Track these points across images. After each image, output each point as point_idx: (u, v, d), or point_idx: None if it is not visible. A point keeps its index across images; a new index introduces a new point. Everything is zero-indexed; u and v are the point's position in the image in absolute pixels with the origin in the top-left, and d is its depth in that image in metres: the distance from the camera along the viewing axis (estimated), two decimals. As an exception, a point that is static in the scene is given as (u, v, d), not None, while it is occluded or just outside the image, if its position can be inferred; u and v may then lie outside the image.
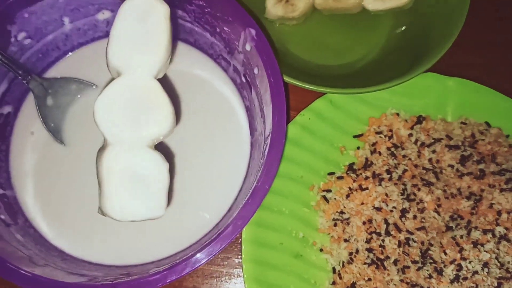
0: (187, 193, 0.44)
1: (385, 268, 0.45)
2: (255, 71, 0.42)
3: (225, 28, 0.44)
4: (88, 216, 0.42)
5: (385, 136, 0.49)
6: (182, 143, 0.45)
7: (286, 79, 0.45)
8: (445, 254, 0.45)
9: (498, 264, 0.45)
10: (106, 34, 0.48)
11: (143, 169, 0.31)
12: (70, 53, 0.47)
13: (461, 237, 0.45)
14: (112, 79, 0.33)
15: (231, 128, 0.47)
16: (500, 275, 0.44)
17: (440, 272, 0.45)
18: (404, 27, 0.53)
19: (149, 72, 0.32)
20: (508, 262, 0.45)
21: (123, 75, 0.32)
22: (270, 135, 0.38)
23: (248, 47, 0.42)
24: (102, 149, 0.32)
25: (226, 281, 0.47)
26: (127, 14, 0.32)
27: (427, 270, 0.45)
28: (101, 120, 0.31)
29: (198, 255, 0.35)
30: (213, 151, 0.46)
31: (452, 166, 0.48)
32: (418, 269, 0.45)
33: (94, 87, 0.46)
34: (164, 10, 0.33)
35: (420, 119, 0.50)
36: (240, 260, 0.47)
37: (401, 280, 0.45)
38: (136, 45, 0.32)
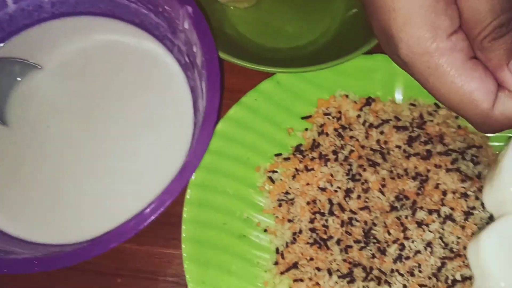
0: (126, 170, 0.44)
1: (328, 248, 0.45)
2: (194, 49, 0.43)
3: (166, 7, 0.44)
4: (23, 193, 0.42)
5: (333, 117, 0.49)
6: (126, 122, 0.46)
7: (233, 60, 0.46)
8: (389, 234, 0.45)
9: (442, 244, 0.44)
10: (52, 16, 0.48)
11: None
12: (15, 35, 0.47)
13: (406, 217, 0.44)
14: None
15: (176, 108, 0.47)
16: (444, 255, 0.44)
17: (383, 251, 0.44)
18: (355, 10, 0.53)
19: None
20: (452, 242, 0.44)
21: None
22: (203, 113, 0.39)
23: (186, 25, 0.42)
24: None
25: (168, 262, 0.47)
26: None
27: (370, 250, 0.45)
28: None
29: (122, 229, 0.35)
30: (157, 130, 0.46)
31: (399, 147, 0.48)
32: (361, 248, 0.45)
33: (39, 67, 0.47)
34: None
35: (369, 101, 0.50)
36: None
37: (344, 260, 0.45)
38: None
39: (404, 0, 0.30)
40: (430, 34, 0.30)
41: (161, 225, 0.48)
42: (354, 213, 0.46)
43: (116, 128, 0.45)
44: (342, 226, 0.45)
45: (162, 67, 0.47)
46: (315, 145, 0.49)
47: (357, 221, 0.45)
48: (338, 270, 0.45)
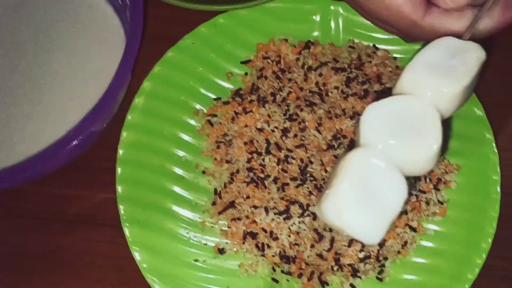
0: (55, 94, 0.44)
1: (265, 187, 0.45)
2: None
3: None
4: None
5: (272, 61, 0.49)
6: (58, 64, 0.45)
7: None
8: (326, 171, 0.45)
9: (378, 180, 0.44)
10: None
11: (379, 188, 0.29)
12: None
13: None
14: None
15: (110, 50, 0.47)
16: (379, 190, 0.44)
17: (319, 189, 0.44)
18: None
19: (436, 101, 0.31)
20: (388, 178, 0.44)
21: (408, 95, 0.32)
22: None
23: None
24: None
25: (107, 206, 0.47)
26: (440, 46, 0.33)
27: (307, 188, 0.45)
28: (369, 123, 0.30)
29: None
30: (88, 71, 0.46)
31: (337, 88, 0.48)
32: (298, 186, 0.45)
33: None
34: (481, 56, 0.33)
35: (308, 44, 0.50)
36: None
37: (281, 198, 0.45)
38: (437, 73, 0.31)
39: None
40: None
41: (99, 170, 0.47)
42: (290, 151, 0.46)
43: (47, 68, 0.45)
44: (278, 164, 0.45)
45: (96, 11, 0.47)
46: (254, 89, 0.49)
47: (293, 158, 0.45)
48: (274, 208, 0.45)
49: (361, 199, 0.30)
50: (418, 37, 0.37)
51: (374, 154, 0.30)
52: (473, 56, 0.32)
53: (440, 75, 0.31)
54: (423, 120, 0.31)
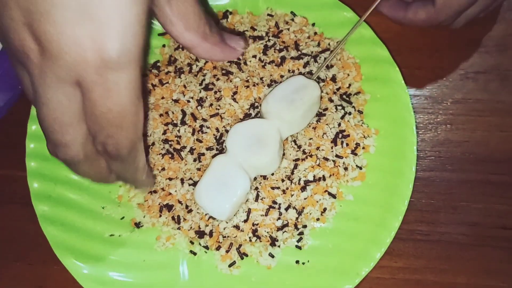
0: None
1: (181, 158, 0.44)
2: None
3: None
4: None
5: (190, 32, 0.48)
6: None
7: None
8: (242, 140, 0.44)
9: (295, 147, 0.44)
10: None
11: (231, 181, 0.40)
12: None
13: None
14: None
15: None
16: (296, 157, 0.43)
17: (236, 158, 0.44)
18: None
19: (279, 124, 0.42)
20: (305, 144, 0.44)
21: (262, 119, 0.42)
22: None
23: None
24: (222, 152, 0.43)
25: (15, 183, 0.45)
26: (291, 83, 0.43)
27: (224, 157, 0.44)
28: (232, 137, 0.41)
29: None
30: None
31: (255, 57, 0.47)
32: (214, 156, 0.44)
33: None
34: (316, 93, 0.43)
35: (226, 14, 0.49)
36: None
37: (198, 169, 0.44)
38: (282, 104, 0.42)
39: None
40: None
41: (7, 146, 0.46)
42: (205, 120, 0.45)
43: None
44: (193, 134, 0.45)
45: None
46: (171, 61, 0.48)
47: (208, 128, 0.45)
48: (190, 179, 0.44)
49: (216, 188, 0.40)
50: None
51: (231, 159, 0.41)
52: (309, 93, 0.42)
53: (283, 106, 0.41)
54: (267, 137, 0.41)
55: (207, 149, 0.44)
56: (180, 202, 0.43)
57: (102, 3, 0.24)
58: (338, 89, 0.46)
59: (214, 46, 0.35)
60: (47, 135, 0.30)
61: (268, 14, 0.49)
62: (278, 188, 0.43)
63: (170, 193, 0.44)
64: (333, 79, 0.46)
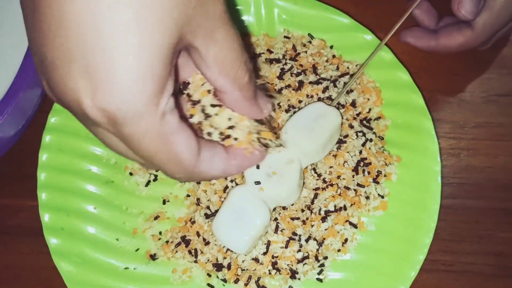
0: None
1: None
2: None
3: None
4: None
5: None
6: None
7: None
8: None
9: (315, 175, 0.42)
10: None
11: (250, 213, 0.38)
12: None
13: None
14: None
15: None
16: (316, 186, 0.42)
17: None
18: None
19: (299, 154, 0.40)
20: (325, 172, 0.42)
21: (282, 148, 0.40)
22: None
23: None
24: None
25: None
26: (311, 110, 0.41)
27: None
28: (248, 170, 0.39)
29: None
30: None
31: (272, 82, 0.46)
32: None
33: None
34: (337, 120, 0.41)
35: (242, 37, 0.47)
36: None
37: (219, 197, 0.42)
38: (301, 133, 0.40)
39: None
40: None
41: (18, 177, 0.45)
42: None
43: None
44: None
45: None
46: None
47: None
48: (207, 208, 0.43)
49: (234, 221, 0.38)
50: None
51: (249, 191, 0.39)
52: (330, 121, 0.40)
53: (303, 135, 0.40)
54: (287, 168, 0.39)
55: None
56: (197, 234, 0.42)
57: (110, 58, 0.23)
58: (358, 114, 0.45)
59: (244, 99, 0.31)
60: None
61: (285, 36, 0.47)
62: (298, 218, 0.42)
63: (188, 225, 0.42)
64: (353, 104, 0.45)
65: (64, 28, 0.23)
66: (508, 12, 0.40)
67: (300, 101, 0.44)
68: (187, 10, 0.24)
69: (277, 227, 0.41)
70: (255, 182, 0.39)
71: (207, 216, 0.42)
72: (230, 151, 0.32)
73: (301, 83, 0.45)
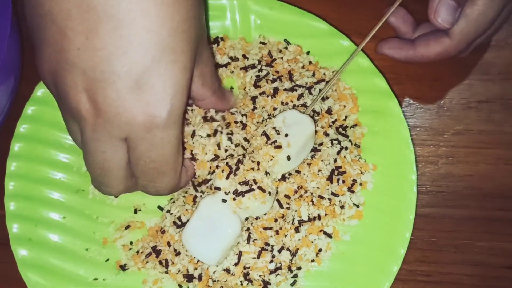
0: None
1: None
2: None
3: None
4: None
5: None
6: None
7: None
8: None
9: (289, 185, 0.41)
10: None
11: (220, 223, 0.38)
12: None
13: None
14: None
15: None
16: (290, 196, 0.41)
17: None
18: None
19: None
20: (299, 181, 0.41)
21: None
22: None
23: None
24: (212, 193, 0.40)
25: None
26: (283, 118, 0.41)
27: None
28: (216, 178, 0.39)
29: None
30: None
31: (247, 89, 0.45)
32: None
33: None
34: (312, 130, 0.41)
35: (217, 40, 0.46)
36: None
37: (186, 209, 0.42)
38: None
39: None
40: None
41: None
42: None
43: None
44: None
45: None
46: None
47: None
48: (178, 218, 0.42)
49: (204, 231, 0.38)
50: None
51: (220, 200, 0.38)
52: (304, 129, 0.40)
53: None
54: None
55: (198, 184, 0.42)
56: (169, 244, 0.41)
57: (160, 74, 0.29)
58: (334, 122, 0.44)
59: (218, 100, 0.40)
60: (92, 177, 0.35)
61: (261, 42, 0.47)
62: (271, 228, 0.41)
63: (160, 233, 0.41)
64: (329, 111, 0.44)
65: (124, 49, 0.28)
66: (486, 20, 0.40)
67: (274, 109, 0.44)
68: (199, 40, 0.32)
69: (249, 237, 0.40)
70: (222, 199, 0.39)
71: (177, 226, 0.41)
72: (185, 164, 0.39)
73: (276, 90, 0.44)
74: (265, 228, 0.41)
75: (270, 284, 0.41)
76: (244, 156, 0.40)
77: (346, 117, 0.44)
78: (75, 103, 0.29)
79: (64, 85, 0.29)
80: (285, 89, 0.44)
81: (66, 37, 0.28)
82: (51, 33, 0.28)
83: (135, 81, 0.28)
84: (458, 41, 0.40)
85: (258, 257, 0.40)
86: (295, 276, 0.41)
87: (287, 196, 0.42)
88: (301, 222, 0.41)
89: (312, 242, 0.42)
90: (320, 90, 0.44)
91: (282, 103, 0.44)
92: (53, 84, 0.30)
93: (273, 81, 0.45)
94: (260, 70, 0.45)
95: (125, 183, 0.34)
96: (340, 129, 0.44)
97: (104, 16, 0.27)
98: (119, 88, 0.28)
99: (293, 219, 0.41)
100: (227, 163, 0.39)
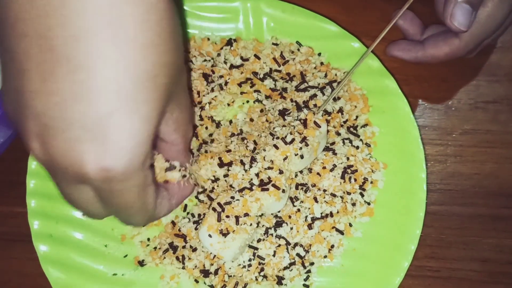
0: None
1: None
2: None
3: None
4: None
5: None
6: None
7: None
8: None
9: (302, 183, 0.43)
10: None
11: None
12: None
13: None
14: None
15: None
16: (303, 193, 0.42)
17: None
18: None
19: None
20: (312, 179, 0.42)
21: None
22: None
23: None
24: None
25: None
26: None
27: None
28: None
29: None
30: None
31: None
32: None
33: None
34: (324, 129, 0.42)
35: (230, 41, 0.48)
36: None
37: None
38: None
39: None
40: None
41: (7, 184, 0.45)
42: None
43: None
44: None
45: None
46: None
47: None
48: (192, 215, 0.43)
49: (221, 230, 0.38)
50: None
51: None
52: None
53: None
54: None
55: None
56: (185, 240, 0.42)
57: (116, 125, 0.26)
58: (345, 122, 0.45)
59: (183, 150, 0.37)
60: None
61: (273, 43, 0.48)
62: (285, 225, 0.42)
63: (177, 234, 0.43)
64: (340, 111, 0.45)
65: (79, 96, 0.25)
66: (495, 22, 0.41)
67: (286, 109, 0.45)
68: (172, 87, 0.29)
69: (265, 234, 0.42)
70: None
71: (193, 222, 0.42)
72: (170, 192, 0.37)
73: (285, 90, 0.45)
74: (279, 225, 0.42)
75: (284, 279, 0.42)
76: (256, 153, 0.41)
77: (357, 117, 0.46)
78: (29, 147, 0.27)
79: (20, 127, 0.27)
80: (297, 90, 0.45)
81: (24, 77, 0.25)
82: (12, 71, 0.26)
83: (88, 131, 0.26)
84: (467, 42, 0.42)
85: (273, 254, 0.42)
86: (308, 271, 0.42)
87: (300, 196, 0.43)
88: (314, 219, 0.42)
89: (324, 238, 0.43)
90: (332, 90, 0.45)
91: (291, 100, 0.45)
92: (14, 121, 0.28)
93: (286, 82, 0.46)
94: (272, 73, 0.46)
95: (99, 209, 0.32)
96: (351, 129, 0.45)
97: (63, 59, 0.25)
98: (70, 138, 0.26)
99: (306, 217, 0.42)
100: (241, 161, 0.40)
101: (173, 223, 0.44)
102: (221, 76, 0.46)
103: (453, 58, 0.43)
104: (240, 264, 0.41)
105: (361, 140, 0.45)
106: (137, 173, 0.28)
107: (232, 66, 0.46)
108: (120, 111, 0.26)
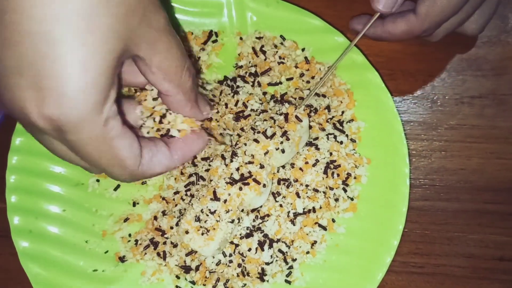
0: None
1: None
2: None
3: None
4: None
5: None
6: None
7: None
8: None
9: (285, 178, 0.42)
10: None
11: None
12: None
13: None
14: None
15: None
16: (285, 189, 0.42)
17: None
18: None
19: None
20: (294, 174, 0.42)
21: None
22: None
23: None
24: None
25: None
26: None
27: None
28: None
29: None
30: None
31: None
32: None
33: None
34: (305, 123, 0.41)
35: (211, 34, 0.47)
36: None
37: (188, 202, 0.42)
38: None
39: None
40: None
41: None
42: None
43: None
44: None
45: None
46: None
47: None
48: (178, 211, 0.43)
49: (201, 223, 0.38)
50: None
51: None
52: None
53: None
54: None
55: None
56: (166, 237, 0.42)
57: (56, 66, 0.24)
58: (331, 118, 0.45)
59: (186, 102, 0.33)
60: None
61: (257, 37, 0.47)
62: (267, 221, 0.42)
63: (158, 228, 0.42)
64: (327, 107, 0.45)
65: (13, 41, 0.23)
66: (451, 2, 0.40)
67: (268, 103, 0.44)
68: (131, 25, 0.26)
69: (246, 229, 0.41)
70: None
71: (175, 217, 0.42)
72: (172, 146, 0.34)
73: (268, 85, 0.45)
74: (261, 220, 0.42)
75: (266, 275, 0.41)
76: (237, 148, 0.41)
77: (342, 112, 0.45)
78: None
79: None
80: (279, 83, 0.45)
81: None
82: None
83: (25, 76, 0.24)
84: (423, 20, 0.41)
85: (255, 249, 0.41)
86: (291, 267, 0.42)
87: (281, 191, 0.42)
88: (296, 214, 0.42)
89: (307, 234, 0.42)
90: (316, 84, 0.45)
91: (275, 97, 0.44)
92: None
93: (268, 76, 0.45)
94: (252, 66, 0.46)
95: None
96: (337, 124, 0.44)
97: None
98: (10, 85, 0.24)
99: (288, 212, 0.42)
100: (222, 155, 0.40)
101: (155, 218, 0.43)
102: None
103: (410, 36, 0.42)
104: (221, 260, 0.41)
105: (346, 135, 0.44)
106: (89, 123, 0.25)
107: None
108: (61, 45, 0.23)
